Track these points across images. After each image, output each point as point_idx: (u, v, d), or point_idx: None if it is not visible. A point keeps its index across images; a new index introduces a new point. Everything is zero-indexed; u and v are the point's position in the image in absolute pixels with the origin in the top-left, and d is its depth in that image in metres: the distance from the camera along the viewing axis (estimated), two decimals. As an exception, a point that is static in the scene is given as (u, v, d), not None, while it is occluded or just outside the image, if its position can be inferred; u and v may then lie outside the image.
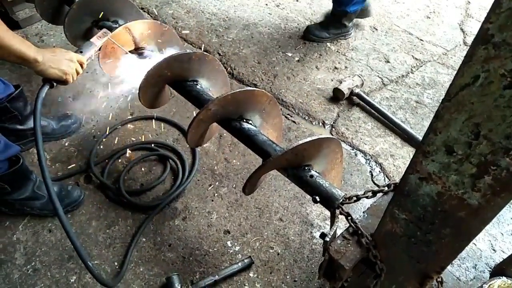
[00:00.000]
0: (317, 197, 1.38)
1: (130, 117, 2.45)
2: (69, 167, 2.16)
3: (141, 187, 2.09)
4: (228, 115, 1.62)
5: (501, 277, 1.47)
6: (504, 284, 1.47)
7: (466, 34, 3.32)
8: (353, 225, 1.28)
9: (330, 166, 1.52)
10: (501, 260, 1.83)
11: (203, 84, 1.84)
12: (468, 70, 0.72)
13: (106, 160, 2.20)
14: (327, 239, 1.26)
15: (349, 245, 1.26)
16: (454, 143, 0.82)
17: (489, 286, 1.44)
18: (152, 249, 1.85)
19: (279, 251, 1.86)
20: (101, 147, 2.27)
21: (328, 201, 1.38)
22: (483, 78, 0.71)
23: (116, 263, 1.80)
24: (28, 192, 1.84)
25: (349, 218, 1.30)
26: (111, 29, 1.91)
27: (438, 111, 0.81)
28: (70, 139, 2.31)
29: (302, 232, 1.93)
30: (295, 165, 1.44)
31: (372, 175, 2.20)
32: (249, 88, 1.56)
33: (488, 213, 0.85)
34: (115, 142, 2.30)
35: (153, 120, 2.45)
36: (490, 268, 1.83)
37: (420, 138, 2.31)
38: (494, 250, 1.90)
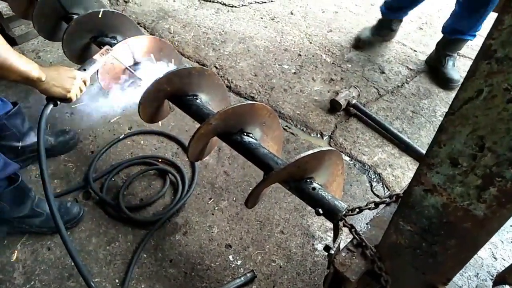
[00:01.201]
0: (320, 210, 1.39)
1: (129, 132, 2.44)
2: (67, 183, 2.14)
3: (141, 202, 2.08)
4: (229, 129, 1.62)
5: (504, 286, 1.47)
6: (508, 294, 1.47)
7: (458, 44, 3.37)
8: (357, 237, 1.29)
9: (332, 178, 1.53)
10: (502, 268, 1.83)
11: (203, 98, 1.85)
12: (471, 84, 0.74)
13: (105, 176, 2.19)
14: (332, 251, 1.26)
15: (354, 257, 1.26)
16: (459, 155, 0.83)
17: (493, 295, 1.44)
18: (154, 265, 1.83)
19: (282, 264, 1.85)
20: (100, 162, 2.26)
21: (331, 213, 1.38)
22: (487, 92, 0.72)
23: (117, 280, 1.77)
24: (27, 210, 1.82)
25: (353, 230, 1.31)
26: (111, 46, 1.92)
27: (442, 124, 0.82)
28: (68, 155, 2.30)
29: (304, 244, 1.92)
30: (297, 178, 1.45)
31: (371, 185, 2.21)
32: (249, 102, 1.56)
33: (494, 224, 0.86)
34: (114, 157, 2.29)
35: (152, 135, 2.45)
36: (492, 276, 1.84)
37: (417, 147, 2.34)
38: (495, 258, 1.91)
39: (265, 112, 1.64)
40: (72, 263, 1.79)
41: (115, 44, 1.97)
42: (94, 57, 1.78)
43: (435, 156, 0.87)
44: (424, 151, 2.34)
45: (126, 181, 2.14)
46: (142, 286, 1.76)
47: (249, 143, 1.60)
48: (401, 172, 2.28)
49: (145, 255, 1.86)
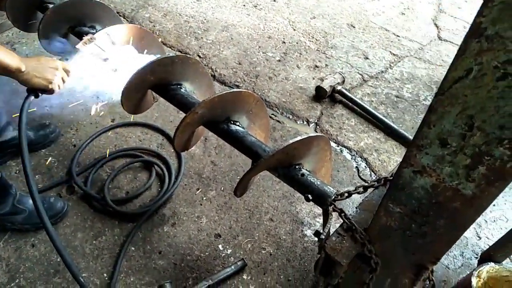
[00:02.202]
0: (309, 196, 1.38)
1: (112, 124, 2.39)
2: (49, 178, 2.08)
3: (127, 195, 2.04)
4: (215, 118, 1.60)
5: (489, 263, 1.51)
6: (492, 270, 1.50)
7: (440, 29, 3.41)
8: (347, 221, 1.29)
9: (320, 164, 1.53)
10: (487, 246, 1.88)
11: (187, 87, 1.81)
12: (461, 63, 0.73)
13: (89, 169, 2.14)
14: (322, 237, 1.26)
15: (344, 241, 1.27)
16: (448, 135, 0.83)
17: (478, 272, 1.47)
18: (142, 257, 1.81)
19: (272, 251, 1.85)
20: (83, 156, 2.20)
21: (321, 198, 1.38)
22: (476, 70, 0.72)
23: (105, 275, 1.75)
24: (8, 207, 1.76)
25: (343, 214, 1.31)
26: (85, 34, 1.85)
27: (431, 105, 0.82)
28: (49, 149, 2.23)
29: (293, 231, 1.93)
30: (286, 165, 1.44)
31: (358, 170, 2.23)
32: (235, 89, 1.54)
33: (482, 202, 0.87)
34: (97, 150, 2.24)
35: (136, 126, 2.40)
36: (476, 255, 1.88)
37: (403, 132, 2.37)
38: (479, 237, 1.96)
39: (252, 100, 1.62)
40: (58, 259, 1.76)
41: (94, 34, 1.91)
42: (77, 46, 1.72)
43: (424, 137, 0.88)
44: (409, 135, 2.37)
45: (111, 174, 2.10)
46: (131, 279, 1.74)
47: (237, 132, 1.58)
48: (387, 157, 2.30)
49: (133, 248, 1.84)
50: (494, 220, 2.04)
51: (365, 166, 2.25)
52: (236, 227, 1.93)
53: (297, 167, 1.45)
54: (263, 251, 1.85)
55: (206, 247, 1.86)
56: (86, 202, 2.01)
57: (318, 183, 1.41)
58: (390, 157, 2.29)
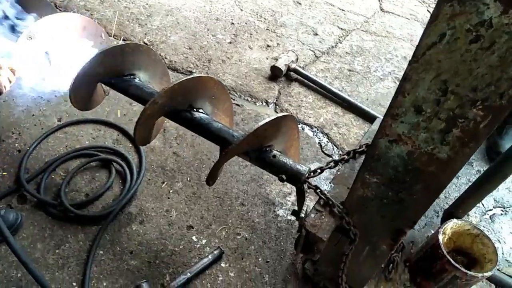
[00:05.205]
0: (283, 176, 1.37)
1: (59, 124, 2.21)
2: (-4, 189, 1.90)
3: (87, 197, 1.91)
4: (177, 106, 1.52)
5: (452, 220, 1.61)
6: (455, 226, 1.61)
7: (381, 1, 3.51)
8: (323, 197, 1.30)
9: (290, 143, 1.52)
10: (446, 205, 2.01)
11: (141, 77, 1.71)
12: (434, 29, 0.74)
13: (40, 175, 1.97)
14: (302, 215, 1.26)
15: (323, 217, 1.28)
16: (423, 102, 0.85)
17: (443, 229, 1.57)
18: (113, 260, 1.72)
19: (247, 236, 1.84)
20: (31, 161, 2.02)
21: (294, 178, 1.38)
22: (450, 35, 0.73)
23: (75, 284, 1.64)
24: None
25: (318, 190, 1.32)
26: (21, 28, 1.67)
27: (406, 73, 0.83)
28: (-9, 157, 2.03)
29: (265, 213, 1.93)
30: (256, 148, 1.42)
31: (321, 146, 2.26)
32: (195, 75, 1.47)
33: (457, 164, 0.90)
34: (47, 154, 2.07)
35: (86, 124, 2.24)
36: (437, 213, 2.01)
37: (358, 103, 2.43)
38: (438, 196, 2.08)
39: (212, 84, 1.56)
40: (19, 275, 1.63)
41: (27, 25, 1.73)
42: (19, 40, 1.54)
43: (399, 106, 0.89)
44: (364, 107, 2.44)
45: (66, 177, 1.95)
46: (104, 284, 1.65)
47: (201, 119, 1.52)
48: (347, 130, 2.35)
49: (101, 252, 1.74)
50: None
51: (327, 141, 2.29)
52: (208, 216, 1.89)
53: (267, 149, 1.43)
54: (238, 237, 1.83)
55: (179, 240, 1.80)
56: (42, 209, 1.86)
57: (291, 162, 1.40)
58: (350, 130, 2.35)
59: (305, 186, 1.35)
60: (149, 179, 2.02)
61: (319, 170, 1.37)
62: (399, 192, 1.07)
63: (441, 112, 0.84)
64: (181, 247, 1.78)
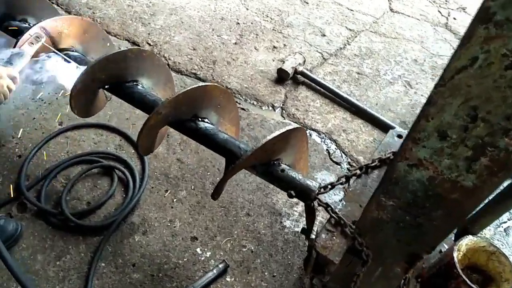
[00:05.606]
0: (292, 192, 1.31)
1: (60, 128, 2.15)
2: (-5, 197, 1.85)
3: (89, 206, 1.86)
4: (181, 116, 1.47)
5: (467, 236, 1.55)
6: (470, 242, 1.54)
7: (391, 1, 3.42)
8: (334, 216, 1.24)
9: (299, 155, 1.46)
10: (458, 216, 1.93)
11: (145, 84, 1.65)
12: (465, 52, 0.67)
13: (41, 182, 1.92)
14: (312, 236, 1.20)
15: (334, 237, 1.22)
16: (448, 127, 0.78)
17: (458, 246, 1.50)
18: (115, 273, 1.67)
19: (253, 248, 1.78)
20: (31, 167, 1.97)
21: (304, 194, 1.32)
22: (483, 59, 0.66)
23: (75, 297, 1.60)
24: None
25: (329, 209, 1.26)
26: (23, 31, 1.61)
27: (431, 97, 0.76)
28: (-10, 163, 1.98)
29: (272, 224, 1.87)
30: (264, 161, 1.35)
31: (329, 153, 2.20)
32: (200, 84, 1.41)
33: (484, 193, 0.83)
34: (47, 159, 2.02)
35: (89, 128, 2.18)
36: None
37: (368, 109, 2.35)
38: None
39: (219, 93, 1.50)
40: (19, 287, 1.58)
41: (27, 28, 1.66)
42: (22, 47, 1.48)
43: (421, 130, 0.82)
44: (374, 112, 2.37)
45: (67, 184, 1.90)
46: (106, 298, 1.60)
47: (206, 129, 1.46)
48: (356, 136, 2.28)
49: (103, 264, 1.69)
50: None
51: (335, 148, 2.22)
52: (213, 226, 1.84)
53: (275, 162, 1.37)
54: (244, 249, 1.78)
55: (183, 252, 1.75)
56: (43, 219, 1.81)
57: (300, 177, 1.34)
58: (359, 136, 2.28)
59: (316, 203, 1.29)
60: (152, 187, 1.96)
61: (329, 186, 1.31)
62: (417, 217, 1.01)
63: (468, 139, 0.77)
64: (185, 259, 1.73)
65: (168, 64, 2.62)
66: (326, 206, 1.26)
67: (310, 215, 1.32)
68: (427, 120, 0.80)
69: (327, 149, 2.22)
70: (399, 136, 1.50)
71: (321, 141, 2.25)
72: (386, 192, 1.01)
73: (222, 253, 1.75)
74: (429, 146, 0.83)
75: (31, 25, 1.74)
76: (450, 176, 0.85)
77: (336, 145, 2.24)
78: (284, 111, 2.40)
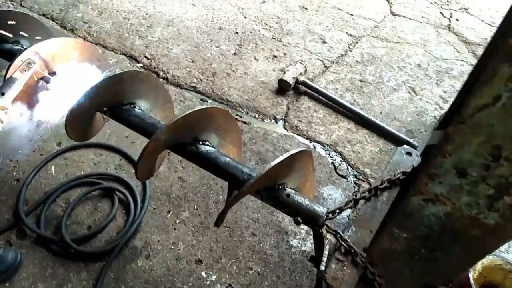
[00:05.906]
0: (299, 218, 1.26)
1: (59, 149, 2.11)
2: (-7, 224, 1.80)
3: (89, 231, 1.81)
4: (181, 140, 1.41)
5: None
6: (486, 261, 1.49)
7: (391, 3, 3.36)
8: (344, 244, 1.19)
9: (304, 178, 1.40)
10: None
11: (142, 106, 1.60)
12: (487, 90, 0.62)
13: (40, 206, 1.87)
14: (322, 267, 1.15)
15: (345, 267, 1.17)
16: (468, 165, 0.73)
17: (474, 266, 1.45)
18: (118, 301, 1.62)
19: (259, 270, 1.73)
20: (30, 191, 1.92)
21: (311, 219, 1.26)
22: (506, 97, 0.61)
23: (78, 329, 1.55)
24: None
25: (338, 236, 1.20)
26: (16, 53, 1.56)
27: (448, 134, 0.71)
28: (-12, 189, 1.93)
29: (278, 243, 1.82)
30: (269, 187, 1.30)
31: (334, 166, 2.14)
32: (199, 107, 1.36)
33: (508, 232, 0.78)
34: (46, 183, 1.97)
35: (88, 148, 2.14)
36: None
37: (372, 118, 2.29)
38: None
39: (219, 115, 1.44)
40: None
41: (20, 50, 1.61)
42: (14, 75, 1.43)
43: (438, 166, 0.77)
44: (379, 122, 2.31)
45: (67, 208, 1.85)
46: (110, 328, 1.55)
47: (207, 152, 1.41)
48: (361, 147, 2.23)
49: (106, 292, 1.64)
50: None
51: (340, 161, 2.17)
52: (217, 248, 1.79)
53: (280, 187, 1.31)
54: (250, 271, 1.72)
55: (188, 276, 1.70)
56: (43, 246, 1.76)
57: (306, 202, 1.28)
58: (364, 148, 2.23)
59: (324, 230, 1.24)
60: (154, 208, 1.91)
61: (338, 211, 1.26)
62: (433, 251, 0.95)
63: (490, 178, 0.72)
64: (190, 284, 1.68)
65: (166, 78, 2.57)
66: (335, 233, 1.21)
67: (319, 242, 1.26)
68: (444, 156, 0.74)
69: (332, 162, 2.16)
70: (408, 154, 1.44)
71: (325, 154, 2.20)
72: (398, 224, 0.96)
73: (228, 276, 1.70)
74: (446, 182, 0.78)
75: (24, 47, 1.69)
76: (470, 213, 0.80)
77: (342, 158, 2.18)
78: (286, 123, 2.35)
